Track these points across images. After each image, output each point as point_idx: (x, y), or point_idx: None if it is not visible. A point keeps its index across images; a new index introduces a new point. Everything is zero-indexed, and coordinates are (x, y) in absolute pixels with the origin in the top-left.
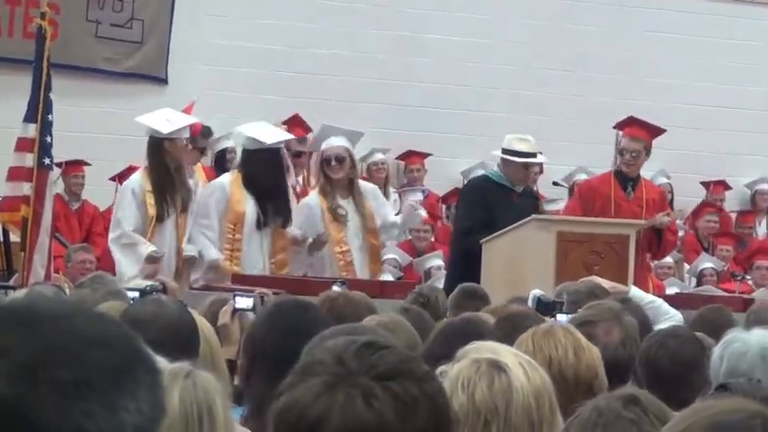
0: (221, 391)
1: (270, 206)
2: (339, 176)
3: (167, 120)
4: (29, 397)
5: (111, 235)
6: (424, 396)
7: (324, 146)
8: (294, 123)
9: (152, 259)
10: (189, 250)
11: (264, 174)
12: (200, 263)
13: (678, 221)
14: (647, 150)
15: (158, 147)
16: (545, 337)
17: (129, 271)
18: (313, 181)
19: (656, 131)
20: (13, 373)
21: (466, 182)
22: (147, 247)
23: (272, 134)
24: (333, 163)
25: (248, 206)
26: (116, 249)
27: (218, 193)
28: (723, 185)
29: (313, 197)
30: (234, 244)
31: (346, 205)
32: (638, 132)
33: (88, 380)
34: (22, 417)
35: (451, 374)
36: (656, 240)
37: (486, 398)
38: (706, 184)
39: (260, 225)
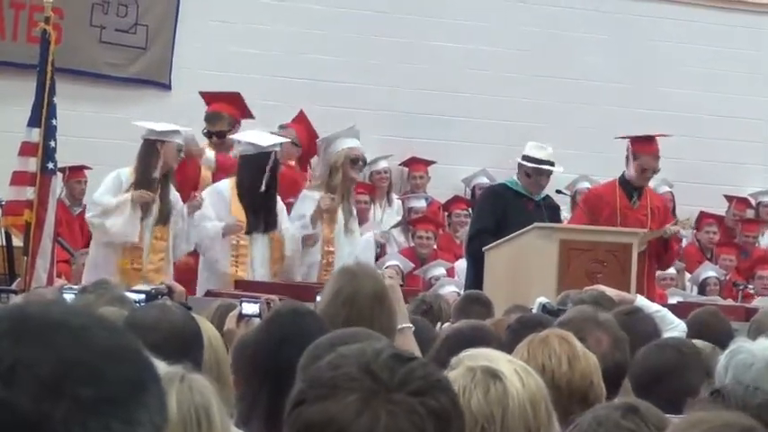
0: (216, 394)
1: (255, 212)
2: (357, 176)
3: (165, 124)
4: (52, 414)
5: (91, 213)
6: (454, 407)
7: (351, 145)
8: (298, 121)
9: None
10: (189, 245)
11: (248, 180)
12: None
13: (684, 231)
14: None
15: (151, 148)
16: (540, 345)
17: (127, 229)
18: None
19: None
20: (36, 390)
21: (469, 189)
22: (123, 197)
23: (265, 139)
24: (359, 164)
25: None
26: (101, 220)
27: (215, 196)
28: (746, 203)
29: (316, 193)
30: (239, 249)
31: (340, 208)
32: (656, 149)
33: (109, 395)
34: None
35: None
36: (663, 250)
37: (483, 406)
38: (729, 198)
39: (248, 231)
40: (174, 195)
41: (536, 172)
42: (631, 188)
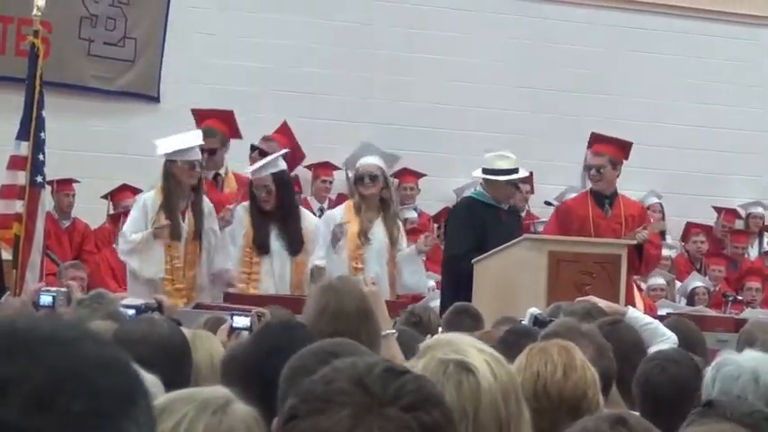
0: (256, 425)
1: (272, 230)
2: (370, 192)
3: (179, 141)
4: (43, 428)
5: (119, 248)
6: (447, 421)
7: (359, 164)
8: (281, 131)
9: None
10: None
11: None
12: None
13: (666, 236)
14: (614, 164)
15: (168, 169)
16: (539, 353)
17: (151, 268)
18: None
19: (622, 145)
20: (27, 404)
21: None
22: (146, 234)
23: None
24: (366, 180)
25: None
26: (130, 259)
27: (235, 216)
28: (734, 214)
29: (339, 211)
30: (252, 267)
31: (375, 225)
32: (600, 147)
33: (99, 409)
34: None
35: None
36: (636, 256)
37: (455, 400)
38: (718, 210)
39: (264, 250)
40: (208, 206)
41: (508, 183)
42: (601, 197)
